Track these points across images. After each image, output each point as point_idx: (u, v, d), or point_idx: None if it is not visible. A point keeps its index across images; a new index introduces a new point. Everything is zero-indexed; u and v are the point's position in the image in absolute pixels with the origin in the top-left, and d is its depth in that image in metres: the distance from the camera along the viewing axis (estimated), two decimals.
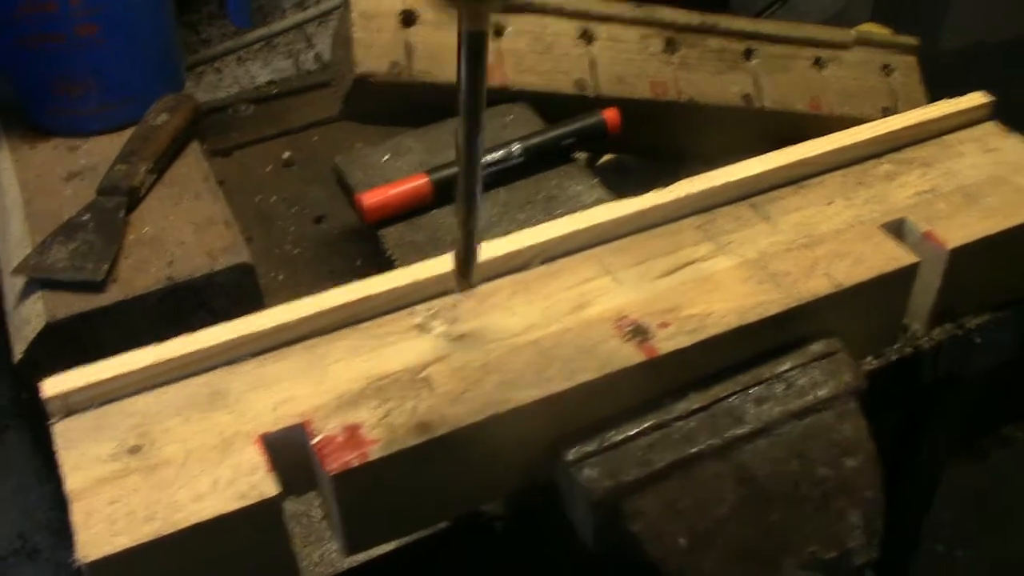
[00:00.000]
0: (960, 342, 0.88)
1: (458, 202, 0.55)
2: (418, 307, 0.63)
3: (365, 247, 0.99)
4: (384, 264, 0.82)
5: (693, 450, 0.60)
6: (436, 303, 0.64)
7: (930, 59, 1.14)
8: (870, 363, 0.84)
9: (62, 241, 0.87)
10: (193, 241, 0.92)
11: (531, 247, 0.66)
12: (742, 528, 0.60)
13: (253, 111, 1.23)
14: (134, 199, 0.95)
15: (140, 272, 0.89)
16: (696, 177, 0.70)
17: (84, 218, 0.90)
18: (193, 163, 1.02)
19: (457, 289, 0.59)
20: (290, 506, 0.61)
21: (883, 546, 1.12)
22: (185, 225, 0.94)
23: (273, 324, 0.60)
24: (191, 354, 0.58)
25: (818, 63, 1.03)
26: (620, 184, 0.89)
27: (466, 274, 0.57)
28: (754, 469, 0.61)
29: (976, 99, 0.75)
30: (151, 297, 0.87)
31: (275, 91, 1.25)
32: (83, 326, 0.83)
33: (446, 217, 0.84)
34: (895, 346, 0.81)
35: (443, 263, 0.64)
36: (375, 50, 0.89)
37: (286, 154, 1.17)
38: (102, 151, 1.02)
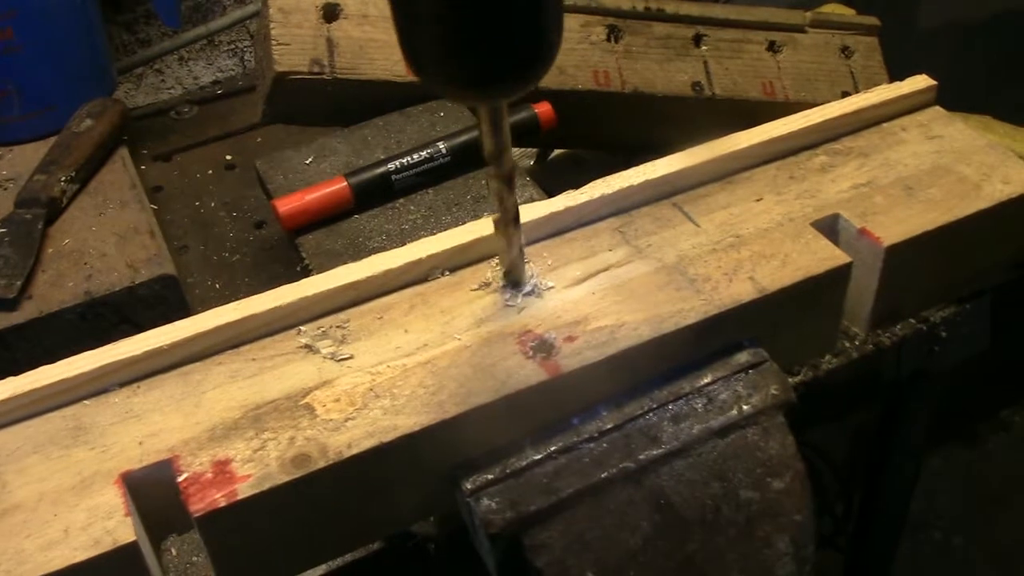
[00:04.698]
0: (925, 337, 0.83)
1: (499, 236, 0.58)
2: (306, 326, 0.58)
3: None
4: (304, 273, 0.77)
5: (603, 475, 0.55)
6: (326, 321, 0.59)
7: (903, 41, 1.08)
8: (829, 362, 0.79)
9: None
10: (115, 253, 0.88)
11: (431, 256, 0.61)
12: (657, 560, 0.55)
13: (196, 113, 1.19)
14: (54, 210, 0.91)
15: (57, 287, 0.85)
16: (613, 176, 0.65)
17: (0, 232, 0.87)
18: (120, 170, 0.98)
19: (509, 287, 0.61)
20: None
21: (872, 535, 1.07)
22: (108, 236, 0.90)
23: (144, 349, 0.55)
24: (53, 384, 0.54)
25: (772, 47, 0.97)
26: (574, 179, 0.83)
27: (517, 282, 0.61)
28: (671, 494, 0.56)
29: (918, 82, 0.69)
30: (68, 313, 0.84)
31: (219, 91, 1.20)
32: None
33: (368, 222, 0.79)
34: (845, 349, 0.76)
35: (333, 277, 0.60)
36: (294, 47, 0.84)
37: (228, 157, 1.13)
38: (26, 161, 0.98)
